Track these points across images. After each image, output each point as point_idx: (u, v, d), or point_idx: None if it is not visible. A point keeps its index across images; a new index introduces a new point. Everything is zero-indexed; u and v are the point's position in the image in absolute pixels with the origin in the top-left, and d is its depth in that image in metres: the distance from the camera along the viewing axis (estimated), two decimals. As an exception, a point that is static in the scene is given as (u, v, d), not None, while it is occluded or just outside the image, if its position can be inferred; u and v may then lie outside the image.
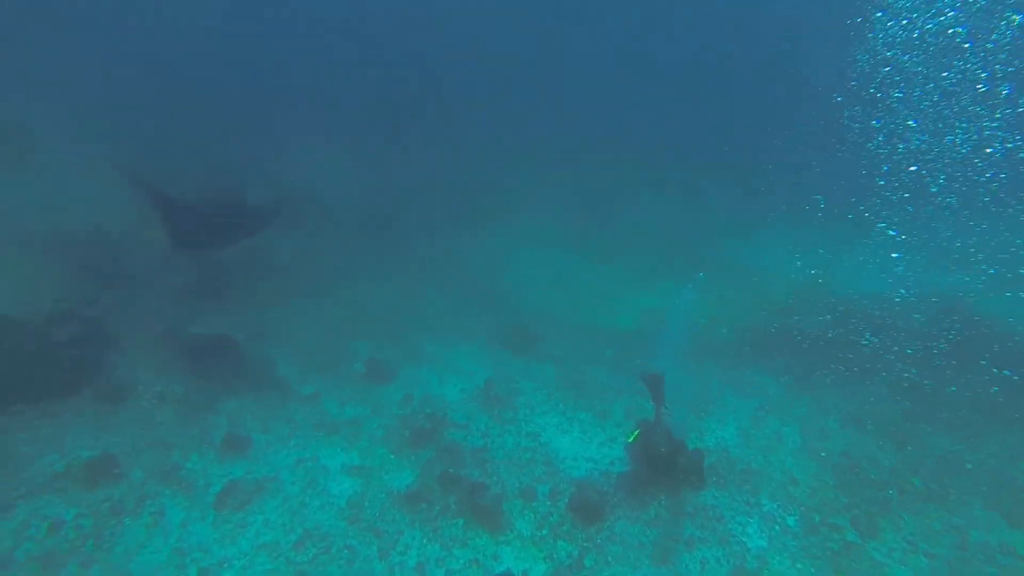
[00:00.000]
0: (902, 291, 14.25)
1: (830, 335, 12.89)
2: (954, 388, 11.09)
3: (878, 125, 14.70)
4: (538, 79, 34.10)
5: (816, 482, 8.75)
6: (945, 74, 13.56)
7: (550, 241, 19.25)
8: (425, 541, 7.49)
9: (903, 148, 14.09)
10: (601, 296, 16.20)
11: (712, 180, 24.21)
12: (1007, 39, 12.81)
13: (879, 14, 13.55)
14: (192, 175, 16.31)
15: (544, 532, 7.84)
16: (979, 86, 13.03)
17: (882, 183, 14.36)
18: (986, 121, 13.50)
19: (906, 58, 13.90)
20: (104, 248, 13.66)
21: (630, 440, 9.02)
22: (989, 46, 12.85)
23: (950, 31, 12.67)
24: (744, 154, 24.47)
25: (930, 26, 12.90)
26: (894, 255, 14.97)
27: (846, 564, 7.29)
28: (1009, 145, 13.34)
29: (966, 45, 12.84)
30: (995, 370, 11.09)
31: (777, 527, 7.97)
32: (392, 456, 9.06)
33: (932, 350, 12.12)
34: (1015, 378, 10.80)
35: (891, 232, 14.61)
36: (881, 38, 13.91)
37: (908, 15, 13.12)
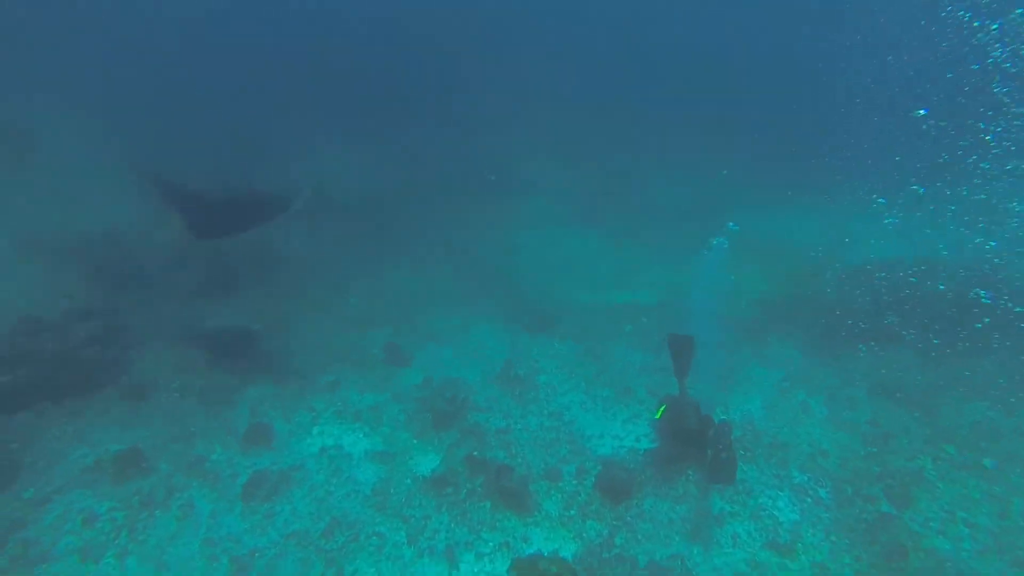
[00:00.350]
0: (944, 252, 13.92)
1: (855, 304, 12.59)
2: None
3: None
4: (549, 58, 33.53)
5: (846, 453, 8.59)
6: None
7: (563, 220, 19.03)
8: (453, 525, 7.47)
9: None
10: (617, 272, 15.99)
11: (729, 153, 23.76)
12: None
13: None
14: (204, 169, 16.28)
15: (572, 512, 7.79)
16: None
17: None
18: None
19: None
20: (118, 248, 13.69)
21: (657, 416, 8.91)
22: None
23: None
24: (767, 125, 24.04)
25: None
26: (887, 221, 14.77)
27: (882, 536, 7.15)
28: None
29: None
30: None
31: (809, 499, 7.85)
32: (415, 441, 9.03)
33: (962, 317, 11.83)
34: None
35: (880, 200, 14.46)
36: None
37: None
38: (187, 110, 23.30)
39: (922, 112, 14.52)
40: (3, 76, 21.06)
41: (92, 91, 22.26)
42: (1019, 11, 11.99)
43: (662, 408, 9.05)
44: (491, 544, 7.23)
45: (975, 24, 12.83)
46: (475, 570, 6.89)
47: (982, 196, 13.80)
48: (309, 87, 28.64)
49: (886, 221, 14.77)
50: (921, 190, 14.00)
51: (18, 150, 16.80)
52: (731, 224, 14.77)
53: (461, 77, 30.27)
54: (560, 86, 29.87)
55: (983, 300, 11.40)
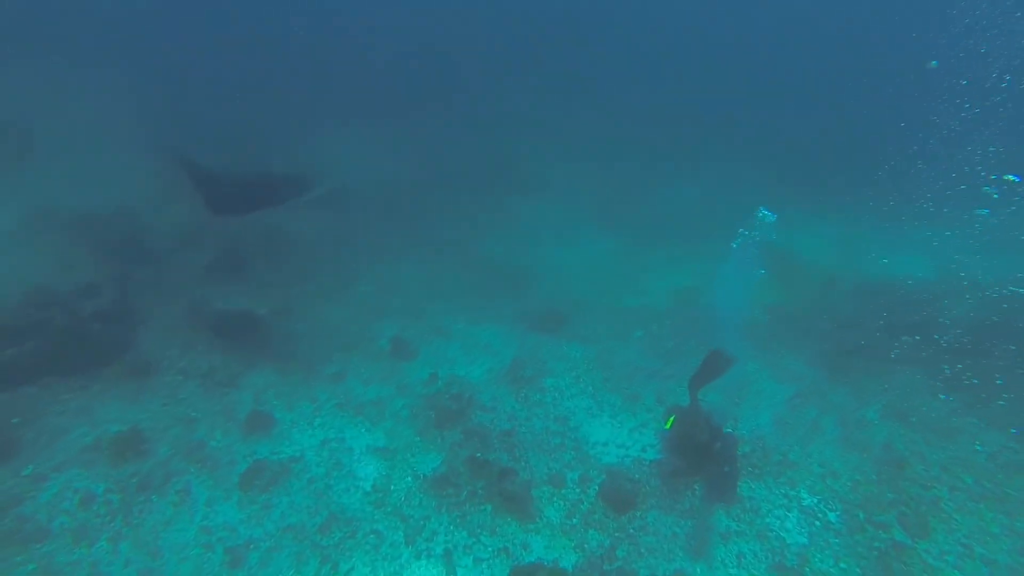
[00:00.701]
0: (962, 274, 13.51)
1: (876, 323, 12.32)
2: (1001, 380, 10.53)
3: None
4: (566, 58, 33.28)
5: (858, 476, 8.36)
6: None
7: (577, 219, 18.81)
8: (452, 527, 7.33)
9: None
10: (629, 275, 15.77)
11: (748, 162, 23.44)
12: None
13: None
14: (222, 150, 16.25)
15: (575, 521, 7.63)
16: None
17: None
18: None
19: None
20: (128, 226, 13.64)
21: (667, 426, 8.72)
22: None
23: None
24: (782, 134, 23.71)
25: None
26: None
27: (895, 566, 6.95)
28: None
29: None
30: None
31: (818, 523, 7.64)
32: (418, 438, 8.90)
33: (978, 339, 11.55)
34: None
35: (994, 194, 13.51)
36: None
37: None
38: (207, 95, 23.28)
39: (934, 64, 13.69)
40: (25, 54, 21.08)
41: (113, 70, 22.26)
42: None
43: (671, 419, 8.86)
44: (490, 549, 7.09)
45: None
46: (473, 575, 6.75)
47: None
48: (329, 76, 28.54)
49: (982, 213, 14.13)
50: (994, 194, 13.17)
51: (34, 125, 16.82)
52: (763, 211, 13.52)
53: (483, 72, 30.08)
54: (581, 86, 29.64)
55: None
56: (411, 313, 12.60)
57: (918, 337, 11.82)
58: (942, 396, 10.15)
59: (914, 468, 8.41)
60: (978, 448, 8.82)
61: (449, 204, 18.70)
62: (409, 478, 8.07)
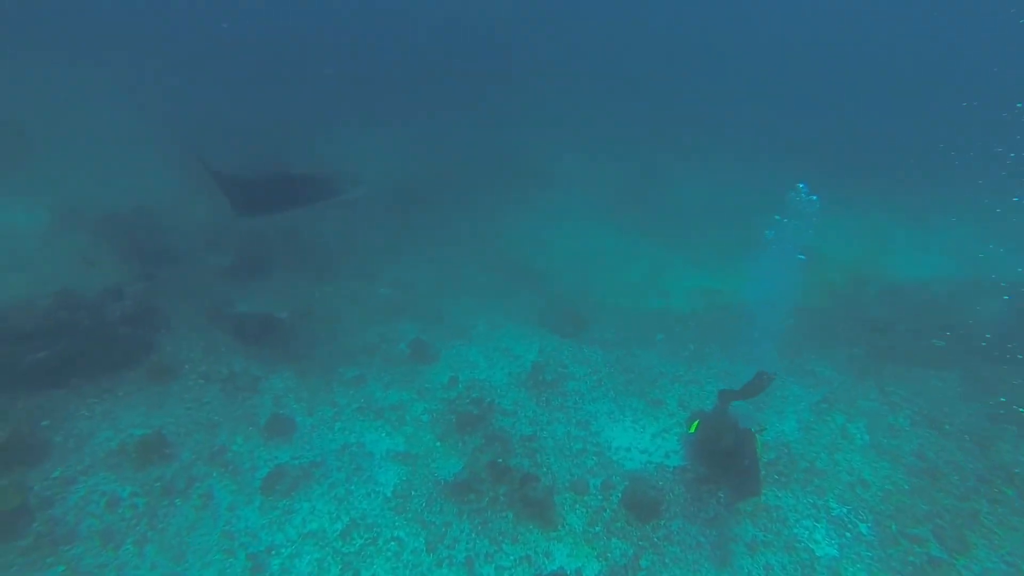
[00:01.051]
0: (992, 275, 13.03)
1: (900, 327, 12.01)
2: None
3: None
4: (583, 55, 33.07)
5: (889, 485, 8.13)
6: None
7: (598, 218, 18.64)
8: (474, 535, 7.26)
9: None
10: (651, 276, 15.60)
11: (770, 160, 23.05)
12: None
13: None
14: (244, 152, 16.39)
15: (597, 528, 7.52)
16: None
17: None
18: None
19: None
20: (152, 226, 13.80)
21: (691, 430, 8.58)
22: None
23: None
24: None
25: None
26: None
27: (932, 582, 6.74)
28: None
29: None
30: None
31: (848, 534, 7.44)
32: (438, 443, 8.84)
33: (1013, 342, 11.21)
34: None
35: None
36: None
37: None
38: (230, 95, 23.52)
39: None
40: (51, 56, 21.47)
41: (138, 71, 22.60)
42: None
43: (695, 423, 8.72)
44: (512, 557, 7.01)
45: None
46: (494, 584, 6.68)
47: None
48: (348, 74, 28.68)
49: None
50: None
51: (60, 126, 17.11)
52: (802, 185, 12.39)
53: (500, 69, 29.99)
54: (603, 82, 29.40)
55: None
56: (431, 315, 12.56)
57: (949, 338, 11.52)
58: (976, 403, 9.85)
59: (949, 478, 8.15)
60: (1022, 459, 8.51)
61: (468, 204, 18.65)
62: (430, 484, 8.01)
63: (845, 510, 7.77)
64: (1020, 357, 10.65)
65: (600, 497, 8.00)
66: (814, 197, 11.83)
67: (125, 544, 6.50)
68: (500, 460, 8.34)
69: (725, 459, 7.99)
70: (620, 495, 7.96)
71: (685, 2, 37.98)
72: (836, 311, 13.03)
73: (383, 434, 8.90)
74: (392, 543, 7.04)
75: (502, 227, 17.72)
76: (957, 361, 10.92)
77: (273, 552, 6.73)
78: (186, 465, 7.68)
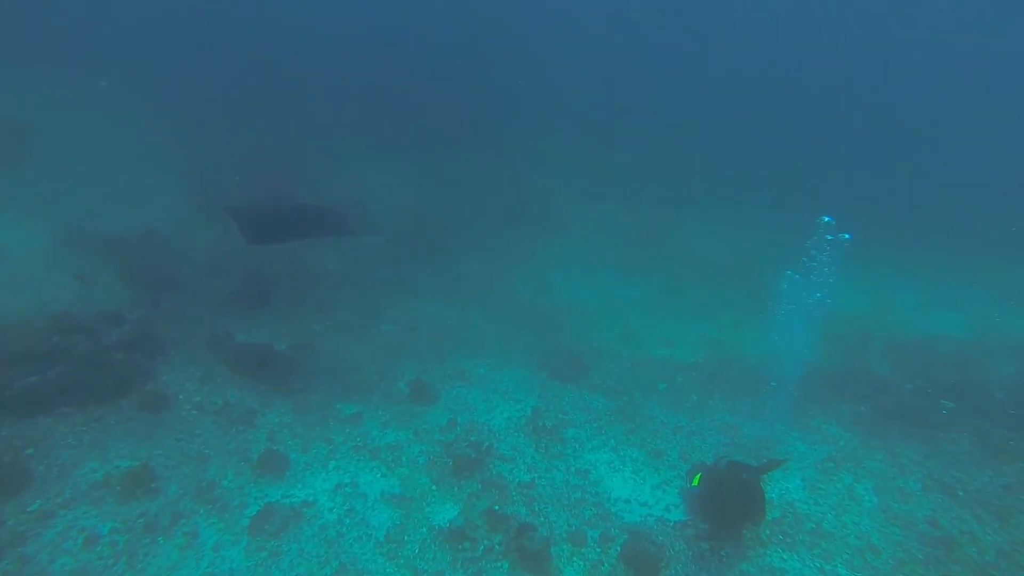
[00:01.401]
0: (1000, 337, 12.84)
1: (908, 386, 11.81)
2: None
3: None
4: (596, 103, 33.84)
5: (902, 554, 7.81)
6: None
7: (604, 264, 18.68)
8: (467, 586, 6.96)
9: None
10: (654, 323, 15.50)
11: (774, 212, 23.26)
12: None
13: None
14: (254, 181, 16.53)
15: (595, 584, 7.21)
16: None
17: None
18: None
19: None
20: (156, 251, 13.79)
21: (694, 483, 8.32)
22: None
23: None
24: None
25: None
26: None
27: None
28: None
29: None
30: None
31: (859, 604, 7.13)
32: (434, 487, 8.59)
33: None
34: None
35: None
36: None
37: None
38: (242, 125, 23.90)
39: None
40: (61, 75, 21.94)
41: (150, 97, 23.04)
42: None
43: (697, 476, 8.47)
44: (506, 613, 6.69)
45: None
46: (487, 642, 6.35)
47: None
48: (362, 109, 29.24)
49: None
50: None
51: (69, 147, 17.34)
52: (829, 219, 11.33)
53: (513, 112, 30.61)
54: (615, 131, 29.95)
55: None
56: (432, 355, 12.42)
57: (958, 399, 11.30)
58: (989, 470, 9.57)
59: (965, 550, 7.83)
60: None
61: (475, 243, 18.71)
62: (424, 529, 7.74)
63: (855, 577, 7.47)
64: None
65: (598, 550, 7.71)
66: (846, 235, 11.04)
67: (101, 585, 6.21)
68: (497, 507, 8.08)
69: (729, 517, 7.73)
70: (619, 549, 7.67)
71: (698, 53, 39.10)
72: (842, 366, 12.84)
73: (378, 475, 8.65)
74: (381, 592, 6.74)
75: (508, 269, 17.73)
76: (967, 424, 10.69)
77: (256, 597, 6.43)
78: (172, 500, 7.42)
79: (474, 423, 10.20)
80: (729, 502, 7.68)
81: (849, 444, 10.42)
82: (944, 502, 8.84)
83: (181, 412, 9.05)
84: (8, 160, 16.04)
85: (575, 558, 7.55)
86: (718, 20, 37.54)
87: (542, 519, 8.12)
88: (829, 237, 10.72)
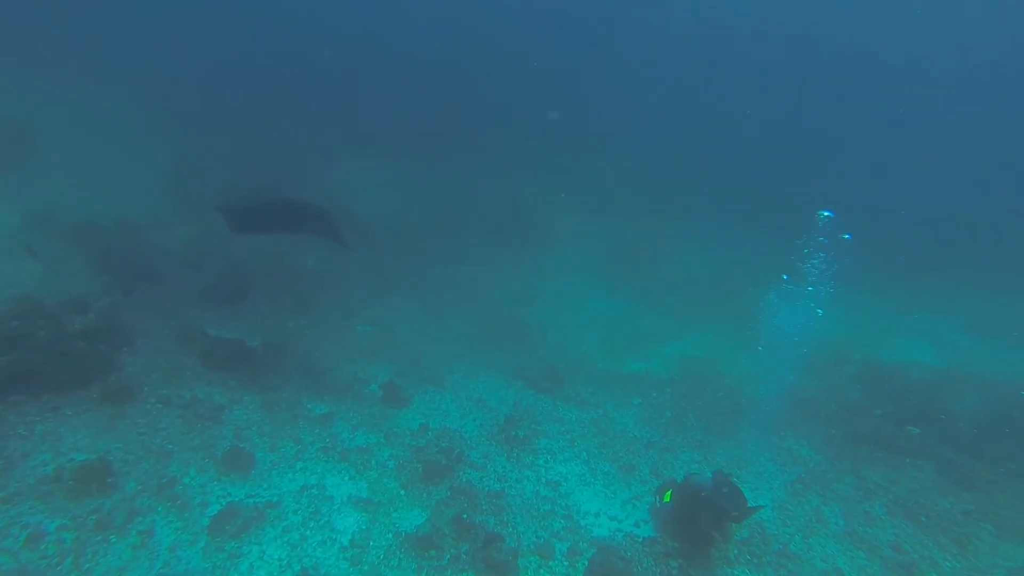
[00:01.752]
0: (968, 368, 13.02)
1: (878, 412, 11.97)
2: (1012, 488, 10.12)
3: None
4: (592, 115, 34.08)
5: (866, 578, 7.88)
6: None
7: (584, 278, 18.70)
8: (432, 595, 6.80)
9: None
10: (631, 338, 15.53)
11: (756, 231, 23.58)
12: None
13: None
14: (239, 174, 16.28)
15: (561, 599, 7.11)
16: None
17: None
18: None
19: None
20: (129, 240, 13.45)
21: (666, 500, 8.28)
22: None
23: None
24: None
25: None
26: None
27: None
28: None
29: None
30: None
31: (823, 626, 7.13)
32: (403, 492, 8.42)
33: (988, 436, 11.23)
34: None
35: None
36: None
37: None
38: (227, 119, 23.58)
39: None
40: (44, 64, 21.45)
41: (135, 87, 22.62)
42: None
43: (668, 493, 8.44)
44: (469, 624, 6.55)
45: None
46: (448, 654, 6.20)
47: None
48: (350, 109, 29.05)
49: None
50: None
51: (46, 132, 16.91)
52: (829, 214, 10.76)
53: (505, 121, 30.68)
54: (596, 141, 30.15)
55: None
56: (407, 358, 12.27)
57: (925, 427, 11.48)
58: (951, 497, 9.71)
59: (926, 575, 7.92)
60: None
61: (457, 249, 18.62)
62: (390, 535, 7.56)
63: (819, 599, 7.48)
64: (995, 452, 10.63)
65: (566, 563, 7.61)
66: (846, 236, 10.45)
67: (41, 586, 5.90)
68: (465, 516, 7.94)
69: (701, 535, 7.70)
70: (587, 563, 7.57)
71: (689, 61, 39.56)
72: (814, 390, 12.98)
73: (346, 477, 8.45)
74: (343, 599, 6.55)
75: (489, 277, 17.66)
76: (933, 451, 10.85)
77: (212, 601, 6.19)
78: (129, 497, 7.13)
79: (446, 429, 10.06)
80: (701, 520, 7.64)
81: (819, 466, 10.50)
82: (907, 527, 8.94)
83: (145, 405, 8.74)
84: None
85: (542, 571, 7.44)
86: (707, 28, 38.08)
87: (510, 529, 8.01)
88: (823, 240, 10.35)
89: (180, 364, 9.98)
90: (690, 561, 7.77)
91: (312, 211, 9.48)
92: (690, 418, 11.79)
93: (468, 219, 20.70)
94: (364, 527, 7.63)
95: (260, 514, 7.40)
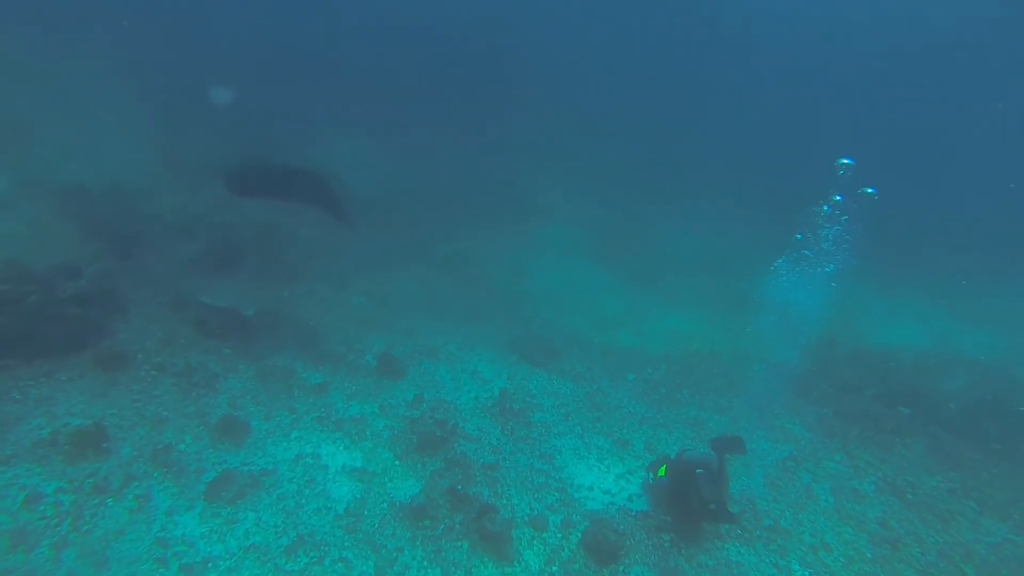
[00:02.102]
0: (957, 350, 13.17)
1: (869, 393, 12.08)
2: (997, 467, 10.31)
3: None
4: (586, 89, 33.60)
5: (852, 552, 8.01)
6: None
7: (579, 252, 18.64)
8: (426, 563, 6.87)
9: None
10: (626, 313, 15.55)
11: (752, 209, 23.53)
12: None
13: None
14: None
15: (554, 568, 7.20)
16: None
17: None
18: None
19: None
20: (122, 205, 13.22)
21: (660, 474, 8.36)
22: None
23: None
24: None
25: None
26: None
27: (890, 655, 6.59)
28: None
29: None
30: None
31: (809, 599, 7.28)
32: (397, 462, 8.46)
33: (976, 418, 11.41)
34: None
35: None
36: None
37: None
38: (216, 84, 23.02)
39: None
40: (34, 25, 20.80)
41: (128, 51, 22.02)
42: None
43: (663, 468, 8.51)
44: (463, 592, 6.63)
45: None
46: (443, 620, 6.29)
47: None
48: (341, 79, 28.50)
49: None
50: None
51: (37, 97, 16.49)
52: (848, 160, 9.76)
53: (497, 94, 30.22)
54: (597, 122, 29.83)
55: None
56: (402, 329, 12.23)
57: (915, 407, 11.63)
58: (938, 475, 9.88)
59: (910, 550, 8.08)
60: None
61: (452, 220, 18.46)
62: (385, 504, 7.61)
63: (807, 573, 7.61)
64: (981, 432, 10.80)
65: (559, 535, 7.69)
66: (870, 190, 9.58)
67: (40, 547, 5.89)
68: (460, 487, 7.99)
69: (691, 511, 7.78)
70: (580, 535, 7.67)
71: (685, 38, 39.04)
72: (807, 368, 13.08)
73: (341, 447, 8.47)
74: (339, 564, 6.60)
75: (484, 251, 17.54)
76: (922, 430, 11.02)
77: (210, 564, 6.22)
78: (125, 462, 7.12)
79: (441, 401, 10.08)
80: (697, 500, 7.69)
81: (810, 445, 10.63)
82: (895, 504, 9.10)
83: (139, 372, 8.69)
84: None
85: (535, 542, 7.52)
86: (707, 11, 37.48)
87: (504, 501, 8.08)
88: (838, 197, 9.49)
89: (174, 331, 9.90)
90: (681, 535, 7.88)
91: (314, 179, 9.30)
92: (684, 394, 11.87)
93: (463, 192, 20.50)
94: (359, 496, 7.67)
95: (255, 481, 7.42)
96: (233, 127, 20.17)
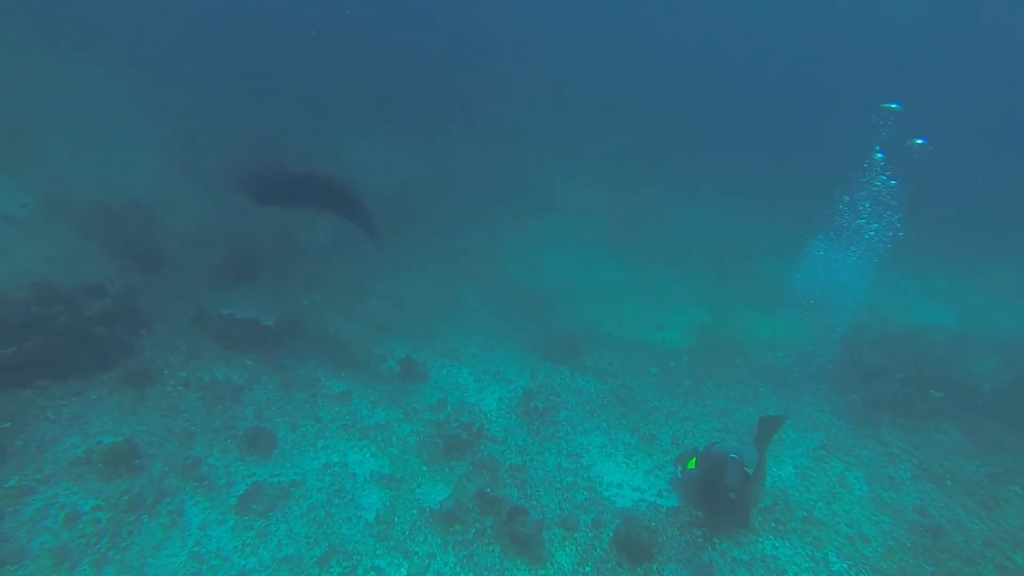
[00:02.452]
0: (987, 330, 12.85)
1: (899, 375, 11.82)
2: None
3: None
4: (595, 81, 33.34)
5: (891, 542, 7.85)
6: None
7: (596, 246, 18.50)
8: (459, 568, 6.85)
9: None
10: (647, 306, 15.41)
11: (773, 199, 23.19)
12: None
13: None
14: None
15: (587, 568, 7.14)
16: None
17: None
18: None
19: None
20: (141, 222, 13.38)
21: (690, 467, 8.26)
22: None
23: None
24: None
25: None
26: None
27: (938, 649, 6.44)
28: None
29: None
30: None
31: (850, 592, 7.14)
32: (425, 468, 8.45)
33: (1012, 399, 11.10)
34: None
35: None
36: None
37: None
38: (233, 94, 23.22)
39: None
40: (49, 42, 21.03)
41: (142, 66, 22.22)
42: None
43: (693, 460, 8.42)
44: (498, 597, 6.61)
45: None
46: (478, 626, 6.27)
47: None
48: (357, 80, 28.58)
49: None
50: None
51: (53, 115, 16.69)
52: (894, 104, 9.36)
53: (511, 89, 30.11)
54: (611, 113, 29.61)
55: None
56: (422, 333, 12.23)
57: (947, 390, 11.36)
58: (977, 460, 9.64)
59: (952, 539, 7.88)
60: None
61: (468, 221, 18.44)
62: (414, 511, 7.61)
63: (845, 565, 7.47)
64: (1019, 414, 10.51)
65: (591, 535, 7.63)
66: (919, 140, 9.19)
67: (81, 564, 5.97)
68: (488, 490, 7.96)
69: (727, 505, 7.67)
70: (611, 534, 7.60)
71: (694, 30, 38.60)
72: (833, 354, 12.85)
73: (368, 455, 8.49)
74: (372, 572, 6.61)
75: (499, 248, 17.50)
76: (956, 414, 10.76)
77: (244, 578, 6.27)
78: (156, 478, 7.20)
79: (465, 403, 10.06)
80: (728, 492, 7.59)
81: (841, 433, 10.44)
82: (933, 491, 8.89)
83: (166, 388, 8.79)
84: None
85: (567, 543, 7.47)
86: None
87: (534, 503, 8.03)
88: (880, 155, 8.73)
89: (197, 345, 10.00)
90: (714, 530, 7.78)
91: (339, 188, 9.25)
92: (709, 386, 11.74)
93: (474, 189, 20.46)
94: (388, 503, 7.67)
95: (285, 493, 7.46)
96: (246, 131, 20.32)
